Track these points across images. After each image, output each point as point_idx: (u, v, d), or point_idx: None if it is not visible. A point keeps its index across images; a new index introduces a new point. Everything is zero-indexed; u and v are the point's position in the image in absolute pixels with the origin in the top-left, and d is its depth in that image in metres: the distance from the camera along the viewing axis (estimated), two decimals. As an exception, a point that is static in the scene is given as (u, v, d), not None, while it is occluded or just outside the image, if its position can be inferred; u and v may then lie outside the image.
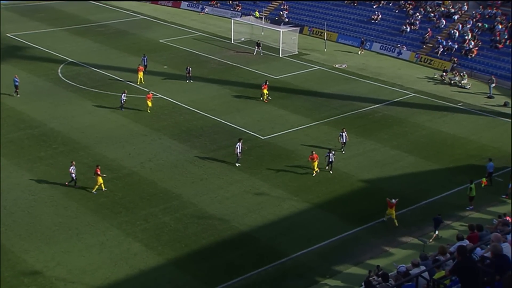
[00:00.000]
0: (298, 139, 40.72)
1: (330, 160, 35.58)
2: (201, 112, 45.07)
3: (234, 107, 45.77)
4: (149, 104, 44.43)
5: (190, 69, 52.04)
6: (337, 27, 66.63)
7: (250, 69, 55.11)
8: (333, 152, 35.81)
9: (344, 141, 38.47)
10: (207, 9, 77.44)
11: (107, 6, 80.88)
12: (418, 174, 36.31)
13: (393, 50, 60.64)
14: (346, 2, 69.03)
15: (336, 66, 56.85)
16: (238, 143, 36.79)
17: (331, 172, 35.38)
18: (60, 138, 40.40)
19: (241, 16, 71.28)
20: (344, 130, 38.86)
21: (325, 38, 62.99)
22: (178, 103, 46.82)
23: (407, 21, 63.44)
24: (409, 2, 65.66)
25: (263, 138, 40.80)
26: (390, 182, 35.05)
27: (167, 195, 33.50)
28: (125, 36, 66.40)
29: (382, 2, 67.08)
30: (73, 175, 33.62)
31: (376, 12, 65.90)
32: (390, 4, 66.88)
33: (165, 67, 55.62)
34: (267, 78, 52.15)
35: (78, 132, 41.33)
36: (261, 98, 46.88)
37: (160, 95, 48.28)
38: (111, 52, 60.28)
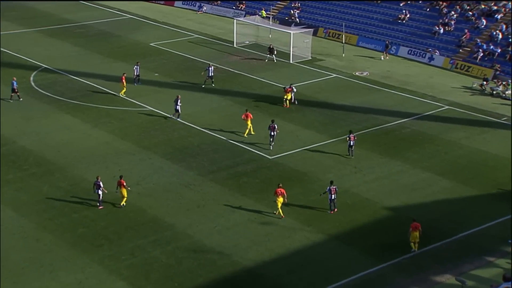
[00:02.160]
0: (312, 159, 40.76)
1: (332, 198, 34.35)
2: (198, 127, 45.24)
3: (236, 122, 45.89)
4: None
5: (212, 68, 52.50)
6: (358, 28, 67.00)
7: (255, 77, 55.41)
8: (335, 187, 34.39)
9: (351, 145, 39.95)
10: (205, 8, 78.12)
11: (88, 4, 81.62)
12: (454, 201, 36.31)
13: (424, 55, 60.95)
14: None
15: (356, 73, 57.11)
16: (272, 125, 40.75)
17: (335, 210, 34.89)
18: (32, 157, 40.55)
19: (245, 16, 72.01)
20: (351, 132, 40.56)
21: (343, 41, 63.30)
22: (172, 116, 46.92)
23: (440, 21, 63.85)
24: (442, -1, 66.23)
25: (270, 158, 40.90)
26: (421, 211, 35.01)
27: (157, 224, 33.53)
28: (109, 38, 66.81)
29: (411, -1, 67.70)
30: (100, 191, 34.32)
31: (404, 11, 66.37)
32: (420, 2, 67.34)
33: (156, 74, 56.03)
34: (275, 87, 52.44)
35: (53, 151, 41.44)
36: (285, 105, 48.16)
37: (150, 108, 48.56)
38: (92, 57, 60.66)
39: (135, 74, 52.63)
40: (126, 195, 34.85)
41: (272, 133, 41.57)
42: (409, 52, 61.96)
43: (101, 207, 34.80)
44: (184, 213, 34.57)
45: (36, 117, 46.73)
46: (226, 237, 32.52)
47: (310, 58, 60.32)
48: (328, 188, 34.51)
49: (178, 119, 45.96)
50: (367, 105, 49.64)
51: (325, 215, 34.51)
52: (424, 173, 39.24)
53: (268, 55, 59.47)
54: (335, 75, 56.66)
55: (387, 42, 62.32)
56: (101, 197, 34.72)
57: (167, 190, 36.85)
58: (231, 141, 43.13)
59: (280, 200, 34.03)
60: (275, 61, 59.00)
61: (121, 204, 34.92)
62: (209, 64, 54.27)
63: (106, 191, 34.85)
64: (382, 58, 61.21)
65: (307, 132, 44.76)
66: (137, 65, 53.06)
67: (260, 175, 38.36)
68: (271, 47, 59.68)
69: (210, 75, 52.61)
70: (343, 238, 32.57)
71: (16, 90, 48.93)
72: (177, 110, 46.00)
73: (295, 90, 49.33)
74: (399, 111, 48.71)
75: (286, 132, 44.43)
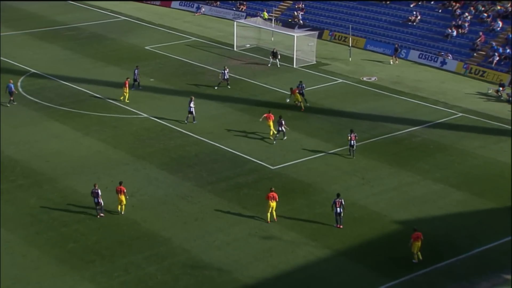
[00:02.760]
0: (317, 169, 40.83)
1: (338, 211, 34.25)
2: (196, 136, 45.35)
3: (237, 130, 46.05)
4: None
5: (227, 71, 53.44)
6: (365, 30, 67.24)
7: (257, 82, 55.59)
8: (341, 200, 34.24)
9: (352, 144, 41.34)
10: (204, 9, 78.41)
11: (79, 5, 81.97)
12: (469, 215, 36.26)
13: (436, 59, 61.06)
14: (376, -1, 69.78)
15: (364, 79, 57.29)
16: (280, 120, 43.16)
17: (340, 226, 34.75)
18: (19, 168, 40.59)
19: (246, 18, 72.22)
20: (352, 132, 41.81)
21: (350, 45, 63.47)
22: (168, 124, 47.13)
23: (453, 23, 63.96)
24: (455, -1, 66.38)
25: (272, 168, 41.00)
26: (433, 224, 34.99)
27: (153, 239, 33.53)
28: (101, 41, 67.03)
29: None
30: (100, 200, 34.87)
31: (414, 12, 66.53)
32: (432, 2, 67.51)
33: (152, 79, 56.24)
34: (278, 93, 52.51)
35: (42, 161, 41.49)
36: (298, 104, 49.49)
37: (146, 115, 48.70)
38: (84, 61, 60.85)
39: (134, 78, 52.86)
40: (125, 202, 35.25)
41: (280, 129, 43.64)
42: (420, 56, 62.09)
43: (101, 214, 35.09)
44: (181, 227, 34.57)
45: (23, 124, 46.83)
46: (225, 252, 32.49)
47: (315, 62, 60.49)
48: (333, 200, 34.48)
49: (194, 122, 46.76)
50: (375, 112, 49.75)
51: (331, 229, 34.47)
52: (436, 185, 39.22)
53: (271, 60, 59.55)
54: (341, 80, 56.79)
55: (396, 45, 62.42)
56: (102, 204, 35.06)
57: (163, 202, 36.88)
58: (231, 150, 43.18)
59: (273, 205, 34.62)
60: (279, 66, 59.09)
61: (121, 211, 35.37)
62: (224, 67, 54.92)
63: (101, 201, 35.22)
64: (391, 63, 61.31)
65: (312, 140, 44.84)
66: (136, 69, 53.26)
67: (262, 187, 38.35)
68: (275, 51, 59.69)
69: (225, 77, 53.42)
70: (350, 254, 32.52)
71: (12, 94, 49.44)
72: (191, 113, 46.66)
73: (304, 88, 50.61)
74: (410, 118, 48.81)
75: (290, 140, 44.51)
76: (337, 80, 56.73)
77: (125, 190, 35.15)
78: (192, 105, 46.58)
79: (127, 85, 50.57)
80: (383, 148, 43.85)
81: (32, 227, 34.33)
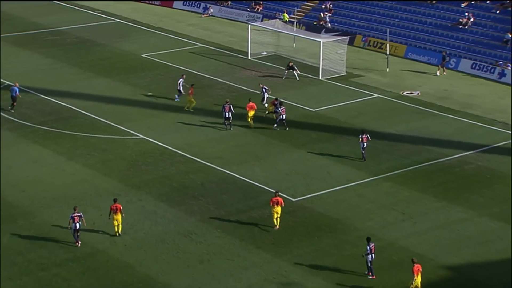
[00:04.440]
0: (347, 202, 40.65)
1: (370, 260, 33.89)
2: (202, 161, 45.32)
3: (250, 153, 46.00)
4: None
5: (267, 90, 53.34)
6: (406, 35, 67.19)
7: (275, 97, 55.28)
8: (372, 244, 33.73)
9: (365, 146, 43.82)
10: (212, 10, 78.76)
11: (64, 4, 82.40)
12: (534, 259, 35.89)
13: (492, 70, 60.88)
14: (419, -2, 69.73)
15: (405, 93, 57.21)
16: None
17: (374, 277, 34.24)
18: (-10, 198, 40.58)
19: (262, 20, 72.36)
20: (364, 132, 44.29)
21: (388, 52, 63.40)
22: (168, 147, 47.11)
23: (513, 26, 63.81)
24: (516, -2, 66.17)
25: (294, 200, 40.84)
26: (490, 271, 34.49)
27: (149, 285, 33.24)
28: (90, 48, 67.30)
29: (475, -1, 67.75)
30: (78, 224, 35.66)
31: (466, 14, 66.38)
32: (488, 2, 67.32)
33: (149, 94, 56.33)
34: (301, 110, 52.55)
35: (17, 191, 41.46)
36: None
37: (142, 136, 48.66)
38: (69, 71, 61.10)
39: (178, 89, 54.04)
40: (121, 222, 36.64)
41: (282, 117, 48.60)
42: (473, 66, 61.97)
43: (78, 242, 35.78)
44: (184, 271, 34.31)
45: (-5, 147, 46.93)
46: (236, 302, 32.38)
47: (345, 73, 60.48)
48: (367, 247, 33.91)
49: (231, 129, 49.21)
50: (418, 134, 49.60)
51: (363, 275, 34.01)
52: (493, 222, 38.85)
53: (286, 72, 59.42)
54: (377, 95, 56.76)
55: (444, 53, 62.27)
56: (79, 232, 35.73)
57: (162, 240, 36.69)
58: (243, 178, 43.07)
59: (278, 210, 37.31)
60: (298, 79, 59.13)
61: (117, 233, 36.67)
62: (262, 86, 54.02)
63: (85, 224, 36.09)
64: (438, 74, 61.17)
65: (341, 167, 44.70)
66: (182, 78, 54.46)
67: (280, 223, 38.05)
68: (291, 65, 59.41)
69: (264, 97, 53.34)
70: (388, 306, 32.25)
71: (15, 99, 51.86)
72: (227, 118, 48.75)
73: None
74: (460, 141, 48.58)
75: (314, 167, 44.35)
76: (372, 95, 56.66)
77: (121, 208, 36.45)
78: (228, 109, 49.01)
79: (191, 92, 52.57)
80: (427, 177, 43.55)
81: (4, 271, 34.01)
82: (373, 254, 33.84)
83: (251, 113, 49.78)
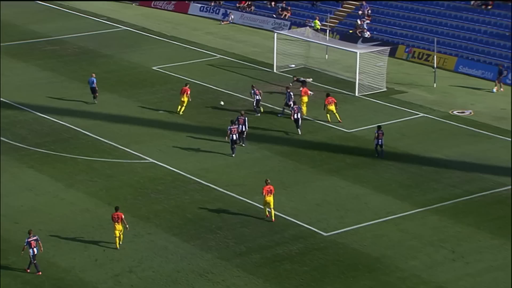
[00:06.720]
0: (388, 237, 40.23)
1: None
2: (220, 189, 45.16)
3: (276, 181, 44.91)
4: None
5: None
6: (457, 46, 67.14)
7: (304, 116, 54.74)
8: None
9: (380, 143, 46.99)
10: (233, 16, 79.51)
11: (65, 10, 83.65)
12: None
13: (556, 86, 60.64)
14: (472, 3, 69.25)
15: (455, 112, 56.94)
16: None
17: None
18: (-21, 231, 40.58)
19: (290, 28, 72.80)
20: (380, 128, 47.66)
21: (435, 65, 63.24)
22: (181, 172, 47.10)
23: None
24: None
25: (325, 234, 40.49)
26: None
27: (158, 333, 33.01)
28: (94, 59, 67.79)
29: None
30: (35, 250, 36.08)
31: (527, 22, 65.90)
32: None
33: (161, 111, 56.52)
34: (334, 131, 52.35)
35: (9, 223, 41.26)
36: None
37: (151, 159, 48.53)
38: (69, 86, 61.40)
39: (255, 100, 55.23)
40: (122, 232, 38.04)
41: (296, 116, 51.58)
42: (536, 81, 61.82)
43: (28, 270, 36.20)
44: (198, 317, 33.68)
45: (-16, 172, 47.13)
46: None
47: (386, 89, 60.40)
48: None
49: (243, 145, 50.32)
50: (471, 160, 49.14)
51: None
52: (559, 263, 38.13)
53: (292, 84, 58.85)
54: (422, 114, 56.44)
55: (500, 66, 61.80)
56: (34, 259, 36.04)
57: (174, 281, 36.31)
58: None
59: (270, 199, 39.89)
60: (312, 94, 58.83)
61: (117, 245, 37.87)
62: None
63: (42, 250, 36.40)
64: (494, 91, 60.76)
65: (381, 197, 44.32)
66: (253, 89, 55.61)
67: (310, 261, 37.86)
68: (301, 79, 59.19)
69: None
70: None
71: (96, 90, 56.98)
72: (241, 132, 49.85)
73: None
74: (520, 168, 48.20)
75: (349, 197, 44.24)
76: (417, 114, 56.41)
77: (123, 217, 37.65)
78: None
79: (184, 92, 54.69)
80: (482, 209, 42.99)
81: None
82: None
83: (305, 99, 54.51)
